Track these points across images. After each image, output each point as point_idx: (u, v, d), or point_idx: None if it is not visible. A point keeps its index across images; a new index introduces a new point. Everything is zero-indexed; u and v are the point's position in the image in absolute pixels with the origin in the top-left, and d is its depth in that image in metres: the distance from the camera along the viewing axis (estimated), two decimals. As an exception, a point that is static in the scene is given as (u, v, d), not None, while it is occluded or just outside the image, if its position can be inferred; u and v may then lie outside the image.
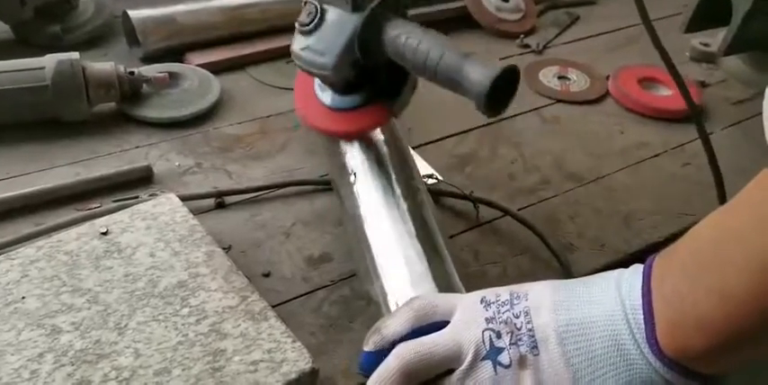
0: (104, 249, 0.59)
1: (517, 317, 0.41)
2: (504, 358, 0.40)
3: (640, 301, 0.38)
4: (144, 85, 0.82)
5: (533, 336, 0.40)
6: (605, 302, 0.39)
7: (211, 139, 0.80)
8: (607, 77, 1.00)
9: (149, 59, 0.91)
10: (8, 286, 0.55)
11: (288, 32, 0.98)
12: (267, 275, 0.64)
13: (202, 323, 0.54)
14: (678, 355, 0.37)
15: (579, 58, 1.04)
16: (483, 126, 0.87)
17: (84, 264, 0.57)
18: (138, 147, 0.78)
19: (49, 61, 0.75)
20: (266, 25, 0.98)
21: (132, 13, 0.90)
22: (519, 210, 0.74)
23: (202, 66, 0.90)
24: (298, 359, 0.52)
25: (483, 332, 0.41)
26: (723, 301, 0.34)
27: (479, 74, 0.50)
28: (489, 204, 0.73)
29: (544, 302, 0.41)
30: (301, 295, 0.63)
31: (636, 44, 1.10)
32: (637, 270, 0.40)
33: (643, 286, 0.39)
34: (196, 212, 0.68)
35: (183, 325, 0.53)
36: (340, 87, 0.62)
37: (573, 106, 0.95)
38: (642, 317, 0.38)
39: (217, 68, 0.91)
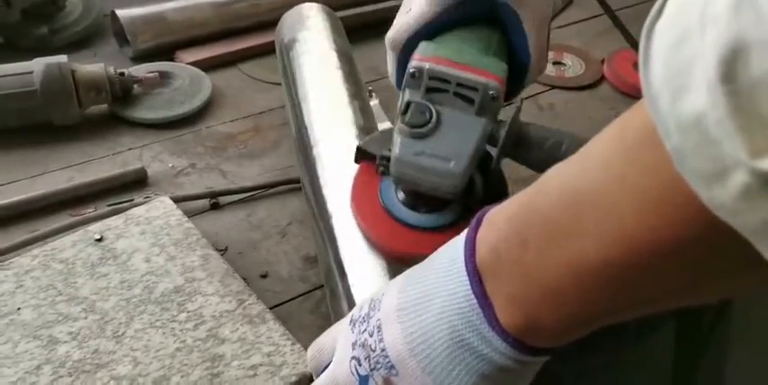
0: (99, 256, 0.59)
1: (371, 334, 0.38)
2: None
3: (468, 283, 0.34)
4: (135, 86, 0.82)
5: (387, 356, 0.37)
6: (436, 296, 0.36)
7: (204, 139, 0.80)
8: (602, 61, 0.99)
9: (139, 59, 0.90)
10: (3, 297, 0.54)
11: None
12: (265, 276, 0.64)
13: (200, 328, 0.54)
14: (524, 334, 0.33)
15: (574, 43, 1.03)
16: (478, 116, 0.86)
17: (80, 271, 0.57)
18: (131, 148, 0.77)
19: (37, 65, 0.74)
20: (256, 20, 0.97)
21: (121, 13, 0.89)
22: (516, 200, 0.73)
23: (193, 63, 0.89)
24: (297, 362, 0.52)
25: (350, 362, 0.39)
26: (574, 273, 0.30)
27: None
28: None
29: (391, 310, 0.37)
30: (300, 295, 0.62)
31: (630, 26, 1.09)
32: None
33: (467, 264, 0.34)
34: (191, 214, 0.67)
35: (180, 331, 0.53)
36: (450, 198, 0.54)
37: (568, 92, 0.94)
38: (476, 301, 0.34)
39: (207, 66, 0.90)
